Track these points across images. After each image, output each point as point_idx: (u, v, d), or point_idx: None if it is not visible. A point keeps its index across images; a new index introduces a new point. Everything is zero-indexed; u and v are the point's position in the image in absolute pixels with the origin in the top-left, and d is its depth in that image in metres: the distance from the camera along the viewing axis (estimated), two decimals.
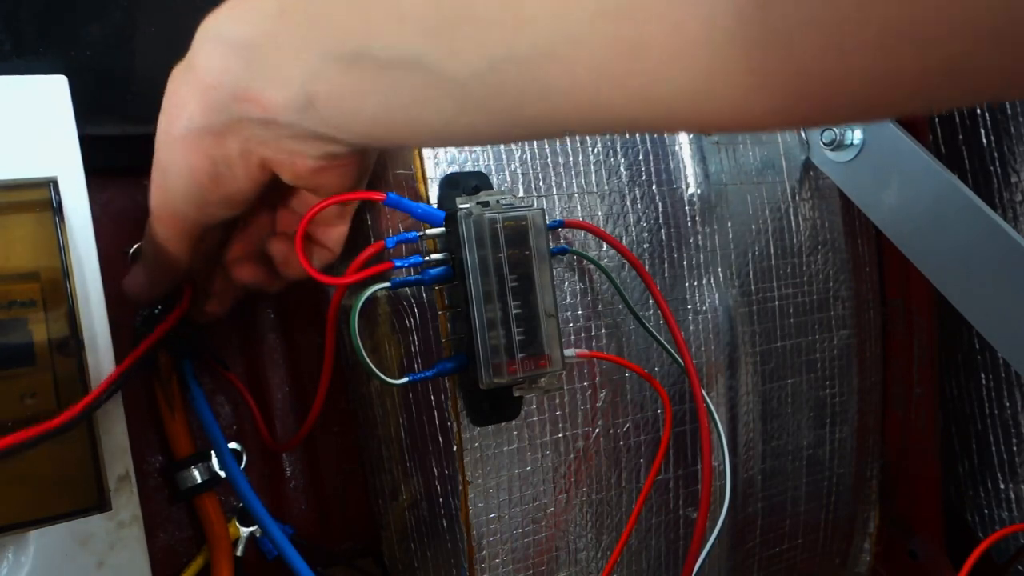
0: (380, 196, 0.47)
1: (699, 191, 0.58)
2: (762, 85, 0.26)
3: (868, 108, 0.27)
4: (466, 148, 0.51)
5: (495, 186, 0.51)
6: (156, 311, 0.54)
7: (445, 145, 0.49)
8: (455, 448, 0.50)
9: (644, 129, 0.54)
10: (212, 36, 0.38)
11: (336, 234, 0.48)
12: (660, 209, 0.57)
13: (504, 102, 0.31)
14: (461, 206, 0.46)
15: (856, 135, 0.60)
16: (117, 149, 0.54)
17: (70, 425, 0.39)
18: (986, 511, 0.70)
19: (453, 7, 0.30)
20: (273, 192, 0.46)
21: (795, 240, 0.63)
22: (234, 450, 0.57)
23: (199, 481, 0.53)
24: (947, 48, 0.23)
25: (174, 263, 0.46)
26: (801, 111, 0.27)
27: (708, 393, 0.58)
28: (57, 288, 0.43)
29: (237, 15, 0.37)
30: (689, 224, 0.58)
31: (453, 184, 0.49)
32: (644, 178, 0.56)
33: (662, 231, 0.57)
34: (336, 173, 0.42)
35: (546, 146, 0.53)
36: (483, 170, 0.51)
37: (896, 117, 0.56)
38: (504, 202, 0.48)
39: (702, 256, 0.58)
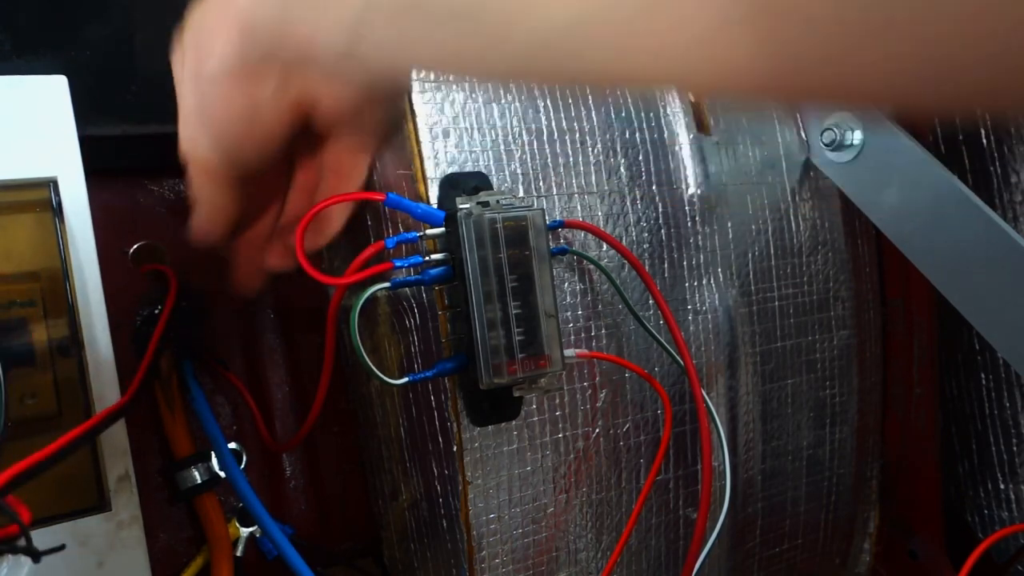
0: (380, 196, 0.47)
1: (699, 191, 0.58)
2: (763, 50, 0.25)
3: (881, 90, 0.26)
4: (466, 149, 0.51)
5: (495, 186, 0.51)
6: (156, 311, 0.54)
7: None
8: (455, 448, 0.50)
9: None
10: None
11: (359, 173, 0.46)
12: (660, 209, 0.57)
13: (575, 62, 0.29)
14: (461, 206, 0.46)
15: (856, 135, 0.60)
16: (117, 149, 0.54)
17: (72, 449, 0.39)
18: (986, 511, 0.70)
19: None
20: (298, 149, 0.45)
21: (795, 240, 0.63)
22: (234, 450, 0.57)
23: (199, 481, 0.53)
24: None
25: (220, 209, 0.44)
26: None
27: (708, 393, 0.58)
28: (57, 288, 0.43)
29: None
30: (689, 224, 0.58)
31: (453, 184, 0.49)
32: (644, 178, 0.56)
33: (662, 231, 0.57)
34: (372, 111, 0.41)
35: (546, 146, 0.53)
36: (483, 170, 0.51)
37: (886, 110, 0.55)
38: (504, 202, 0.48)
39: (702, 256, 0.58)
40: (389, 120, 0.43)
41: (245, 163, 0.42)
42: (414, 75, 0.50)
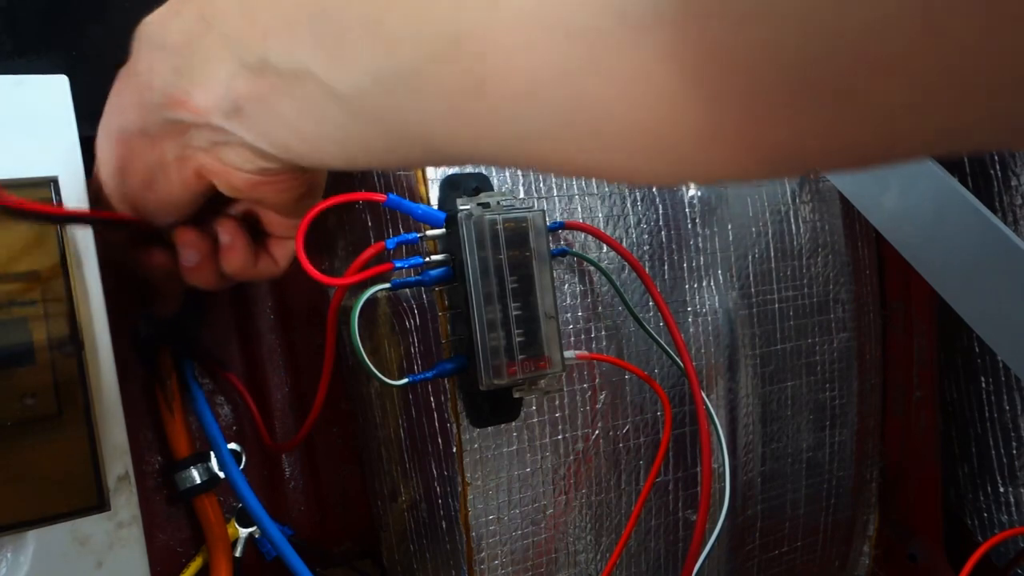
0: (381, 197, 0.47)
1: (699, 193, 0.58)
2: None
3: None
4: None
5: (496, 187, 0.51)
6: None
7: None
8: (455, 449, 0.50)
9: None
10: (144, 40, 0.39)
11: (286, 248, 0.47)
12: (660, 211, 0.57)
13: (392, 118, 0.31)
14: (461, 207, 0.46)
15: None
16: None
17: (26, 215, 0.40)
18: (986, 514, 0.70)
19: (336, 19, 0.30)
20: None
21: (795, 243, 0.63)
22: (233, 451, 0.57)
23: (198, 482, 0.53)
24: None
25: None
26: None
27: (708, 395, 0.58)
28: (57, 288, 0.43)
29: (164, 20, 0.38)
30: (689, 226, 0.58)
31: (454, 185, 0.49)
32: None
33: (662, 233, 0.57)
34: (274, 188, 0.41)
35: None
36: (483, 171, 0.51)
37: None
38: (505, 203, 0.48)
39: (702, 258, 0.58)
40: (295, 201, 0.43)
41: (148, 218, 0.43)
42: None
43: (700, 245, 0.58)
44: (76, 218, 0.43)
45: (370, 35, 0.29)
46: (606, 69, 0.23)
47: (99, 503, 0.43)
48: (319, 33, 0.31)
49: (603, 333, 0.54)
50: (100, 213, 0.43)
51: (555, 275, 0.51)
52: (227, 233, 0.45)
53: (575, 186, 0.54)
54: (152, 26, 0.39)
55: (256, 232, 0.46)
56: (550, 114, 0.26)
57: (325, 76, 0.31)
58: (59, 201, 0.43)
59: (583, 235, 0.54)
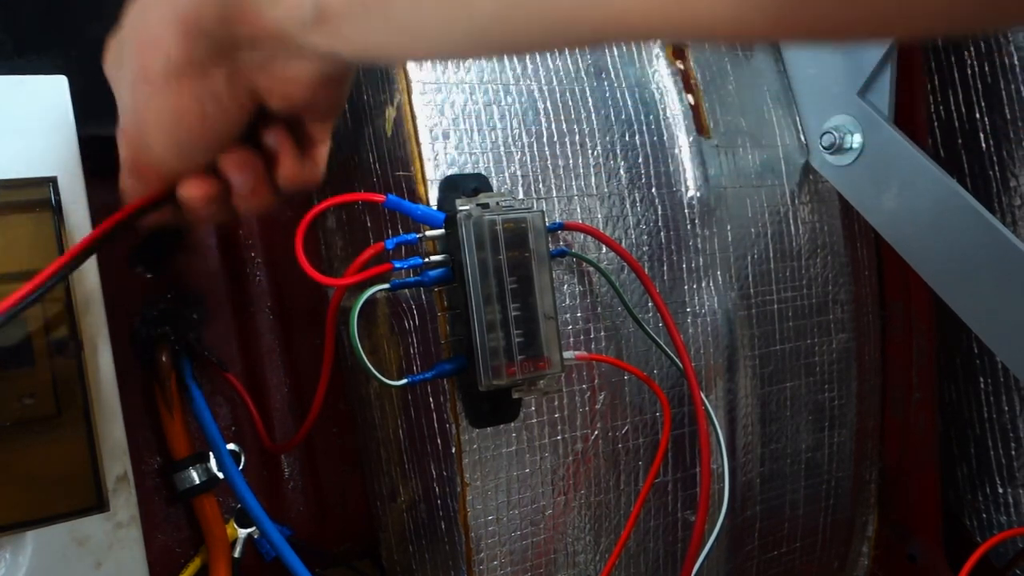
0: (380, 198, 0.47)
1: (699, 194, 0.58)
2: None
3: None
4: (466, 151, 0.51)
5: (495, 188, 0.51)
6: (155, 313, 0.55)
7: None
8: (454, 450, 0.50)
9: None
10: None
11: (323, 151, 0.43)
12: (660, 212, 0.57)
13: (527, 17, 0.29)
14: (461, 208, 0.46)
15: (855, 139, 0.60)
16: (117, 149, 0.54)
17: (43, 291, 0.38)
18: (984, 515, 0.70)
19: None
20: None
21: (794, 244, 0.63)
22: (232, 451, 0.57)
23: (197, 482, 0.53)
24: None
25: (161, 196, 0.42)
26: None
27: (707, 396, 0.58)
28: (57, 288, 0.42)
29: None
30: (688, 227, 0.58)
31: (453, 186, 0.49)
32: (644, 181, 0.56)
33: (661, 234, 0.57)
34: (329, 92, 0.39)
35: (546, 148, 0.53)
36: (483, 172, 0.51)
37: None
38: (504, 204, 0.48)
39: (701, 259, 0.58)
40: (340, 102, 0.41)
41: (199, 161, 0.40)
42: (414, 77, 0.50)
43: (699, 246, 0.58)
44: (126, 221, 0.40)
45: None
46: None
47: (98, 503, 0.43)
48: None
49: (602, 334, 0.54)
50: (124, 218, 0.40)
51: (554, 276, 0.51)
52: (277, 140, 0.41)
53: (574, 187, 0.54)
54: None
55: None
56: None
57: None
58: (58, 200, 0.43)
59: (582, 236, 0.54)
